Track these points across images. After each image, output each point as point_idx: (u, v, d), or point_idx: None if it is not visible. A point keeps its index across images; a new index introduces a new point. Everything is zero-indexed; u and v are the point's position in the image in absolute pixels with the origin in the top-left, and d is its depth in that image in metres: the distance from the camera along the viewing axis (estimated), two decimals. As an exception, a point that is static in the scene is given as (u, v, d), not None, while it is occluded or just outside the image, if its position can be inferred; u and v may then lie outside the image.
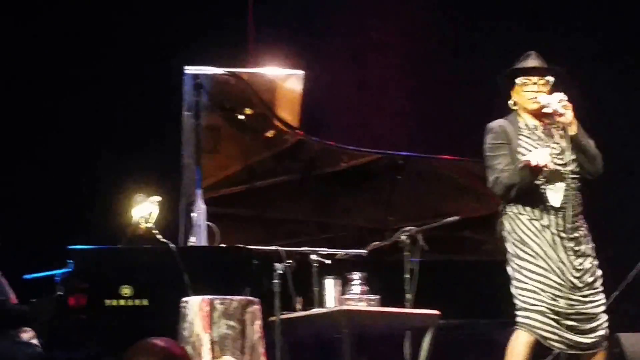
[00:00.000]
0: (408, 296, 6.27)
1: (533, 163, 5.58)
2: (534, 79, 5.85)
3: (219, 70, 6.54)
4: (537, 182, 5.73)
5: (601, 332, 5.71)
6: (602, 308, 5.73)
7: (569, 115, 5.69)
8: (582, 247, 5.75)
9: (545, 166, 5.60)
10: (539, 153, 5.62)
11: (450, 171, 7.08)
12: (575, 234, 5.76)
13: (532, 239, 5.74)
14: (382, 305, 6.22)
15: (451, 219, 6.51)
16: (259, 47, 7.89)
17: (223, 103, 6.65)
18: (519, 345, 5.72)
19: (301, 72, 6.72)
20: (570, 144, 5.76)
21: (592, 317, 5.71)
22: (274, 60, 7.01)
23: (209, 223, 6.43)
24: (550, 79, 5.86)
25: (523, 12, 8.60)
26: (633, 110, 8.16)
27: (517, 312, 5.73)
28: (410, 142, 7.79)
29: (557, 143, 5.78)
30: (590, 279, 5.73)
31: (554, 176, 5.74)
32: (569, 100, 5.70)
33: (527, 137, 5.84)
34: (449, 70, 8.65)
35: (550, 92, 5.83)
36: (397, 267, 6.33)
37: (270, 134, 6.74)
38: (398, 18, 8.67)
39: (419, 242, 6.35)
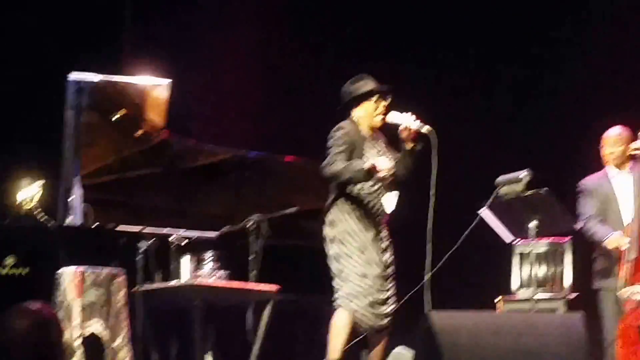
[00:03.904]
0: (252, 274, 6.36)
1: (379, 168, 5.71)
2: (384, 98, 6.02)
3: (98, 77, 6.52)
4: (375, 189, 5.90)
5: (390, 317, 5.96)
6: (394, 295, 5.97)
7: (418, 145, 5.87)
8: (385, 244, 5.98)
9: (384, 176, 5.74)
10: (384, 162, 5.77)
11: (292, 169, 7.13)
12: (382, 234, 5.97)
13: (358, 235, 5.89)
14: (230, 280, 6.27)
15: (291, 209, 6.68)
16: (133, 59, 7.82)
17: (100, 105, 6.59)
18: (342, 324, 5.88)
19: (168, 81, 6.74)
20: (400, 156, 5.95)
21: (388, 302, 5.94)
22: (145, 70, 7.00)
23: (85, 205, 6.39)
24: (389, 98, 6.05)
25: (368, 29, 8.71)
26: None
27: (341, 294, 5.89)
28: (260, 143, 7.76)
29: (391, 154, 5.99)
30: (390, 270, 5.97)
31: (391, 185, 5.94)
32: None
33: (367, 144, 5.98)
34: (295, 82, 8.69)
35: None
36: (244, 248, 6.41)
37: (139, 132, 6.70)
38: (253, 31, 8.69)
39: (263, 228, 6.47)
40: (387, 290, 5.95)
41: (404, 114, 5.89)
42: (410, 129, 5.84)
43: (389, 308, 5.95)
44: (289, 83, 8.70)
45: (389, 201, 5.97)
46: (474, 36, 8.50)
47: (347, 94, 6.06)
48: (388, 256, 5.99)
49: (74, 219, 6.36)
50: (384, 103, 6.01)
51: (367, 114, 6.01)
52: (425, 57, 8.50)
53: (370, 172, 5.74)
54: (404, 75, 7.69)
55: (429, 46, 8.54)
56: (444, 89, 8.42)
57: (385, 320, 5.94)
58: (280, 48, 8.78)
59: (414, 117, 5.86)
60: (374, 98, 6.00)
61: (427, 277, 5.96)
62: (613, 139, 6.46)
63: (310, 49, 8.75)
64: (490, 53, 8.48)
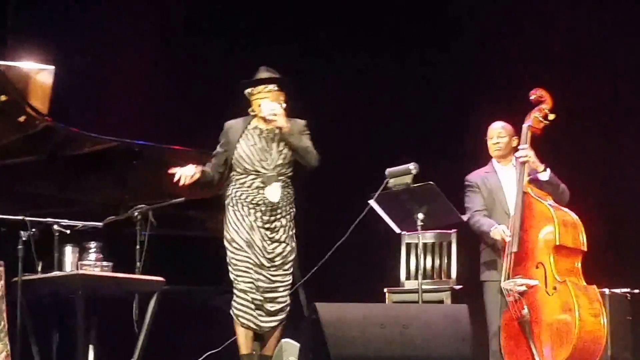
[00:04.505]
0: (138, 264, 6.27)
1: (176, 177, 5.99)
2: (260, 88, 6.04)
3: (-23, 61, 6.36)
4: (255, 182, 5.99)
5: (282, 316, 5.97)
6: (286, 289, 5.98)
7: (279, 121, 5.91)
8: (278, 235, 5.97)
9: (183, 184, 6.01)
10: (185, 170, 6.01)
11: (179, 159, 6.86)
12: (275, 224, 5.96)
13: (235, 224, 5.99)
14: (115, 271, 6.20)
15: (177, 199, 6.55)
16: (17, 44, 7.66)
17: (-21, 90, 6.43)
18: (238, 331, 5.98)
19: (52, 67, 6.61)
20: (285, 146, 5.97)
21: (277, 299, 5.95)
22: (29, 56, 6.86)
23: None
24: (272, 87, 6.01)
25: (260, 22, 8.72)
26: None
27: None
28: (150, 132, 7.69)
29: (273, 147, 6.03)
30: (279, 261, 5.96)
31: (270, 178, 5.97)
32: (289, 106, 5.99)
33: (249, 138, 6.03)
34: (186, 71, 8.63)
35: (277, 98, 6.02)
36: (130, 238, 6.32)
37: (22, 119, 6.46)
38: (144, 17, 8.60)
39: (149, 218, 6.39)
40: (270, 278, 5.93)
41: (271, 104, 5.96)
42: (266, 118, 5.98)
43: (274, 294, 5.94)
44: (181, 72, 8.62)
45: (272, 192, 6.01)
46: (360, 30, 8.55)
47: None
48: (277, 247, 5.98)
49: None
50: (259, 95, 6.04)
51: (254, 106, 6.09)
52: (313, 49, 8.53)
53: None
54: (298, 66, 7.70)
55: (318, 39, 8.57)
56: (334, 81, 8.46)
57: (271, 320, 5.93)
58: (173, 35, 8.71)
59: (271, 106, 5.92)
60: (250, 89, 6.07)
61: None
62: (498, 130, 6.55)
63: (204, 37, 8.71)
64: (376, 46, 8.53)
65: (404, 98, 8.45)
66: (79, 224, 6.42)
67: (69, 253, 6.18)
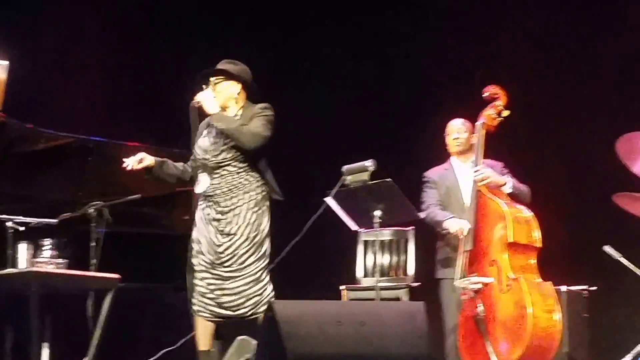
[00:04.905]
0: (93, 261, 6.24)
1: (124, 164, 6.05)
2: (211, 80, 6.00)
3: None
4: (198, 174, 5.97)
5: (244, 310, 5.87)
6: (244, 282, 5.86)
7: (207, 109, 5.89)
8: (229, 228, 5.88)
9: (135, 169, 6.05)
10: (134, 156, 6.05)
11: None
12: (226, 216, 5.90)
13: (196, 224, 5.96)
14: (70, 268, 6.14)
15: (133, 196, 6.53)
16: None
17: None
18: (197, 327, 5.93)
19: (6, 63, 6.56)
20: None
21: (234, 289, 5.88)
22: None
23: None
24: (215, 79, 5.99)
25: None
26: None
27: None
28: (106, 128, 7.64)
29: (214, 136, 5.99)
30: (228, 255, 5.87)
31: (204, 168, 5.95)
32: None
33: (207, 132, 6.01)
34: (144, 67, 8.61)
35: (227, 89, 5.97)
36: (85, 235, 6.28)
37: (-26, 115, 6.50)
38: (101, 12, 8.59)
39: (105, 215, 6.35)
40: (221, 275, 5.87)
41: (201, 93, 5.93)
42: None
43: (231, 285, 5.86)
44: (138, 68, 8.60)
45: (200, 183, 5.97)
46: (317, 27, 8.59)
47: None
48: (230, 239, 5.88)
49: None
50: (210, 87, 6.00)
51: None
52: (280, 47, 8.54)
53: None
54: (258, 63, 7.69)
55: (275, 36, 8.59)
56: (290, 79, 8.47)
57: (232, 311, 5.88)
58: (130, 30, 8.66)
59: (200, 96, 5.90)
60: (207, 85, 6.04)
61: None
62: (458, 126, 6.62)
63: (161, 34, 8.68)
64: (332, 44, 8.56)
65: (361, 96, 8.48)
66: (34, 220, 6.36)
67: (23, 250, 6.10)
